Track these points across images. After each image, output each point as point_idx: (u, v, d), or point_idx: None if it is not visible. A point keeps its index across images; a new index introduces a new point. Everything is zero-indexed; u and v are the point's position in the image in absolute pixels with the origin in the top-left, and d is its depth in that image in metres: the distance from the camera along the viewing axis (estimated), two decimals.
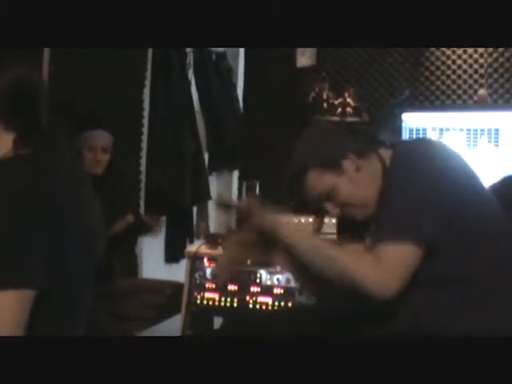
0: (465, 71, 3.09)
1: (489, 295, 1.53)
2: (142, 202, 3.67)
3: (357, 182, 1.65)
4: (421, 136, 1.76)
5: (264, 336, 1.55)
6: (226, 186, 4.39)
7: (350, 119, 2.93)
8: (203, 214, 4.16)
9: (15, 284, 1.31)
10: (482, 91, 2.99)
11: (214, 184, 4.39)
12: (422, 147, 1.63)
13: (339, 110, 2.99)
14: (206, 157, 4.23)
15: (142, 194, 3.67)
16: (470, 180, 1.61)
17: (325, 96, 3.05)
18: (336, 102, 3.00)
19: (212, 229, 4.08)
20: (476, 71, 3.07)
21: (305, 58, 3.20)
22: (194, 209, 4.16)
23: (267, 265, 2.40)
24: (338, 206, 1.67)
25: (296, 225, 2.57)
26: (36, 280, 1.35)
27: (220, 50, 4.29)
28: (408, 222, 1.51)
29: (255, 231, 1.62)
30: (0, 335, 1.29)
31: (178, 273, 3.15)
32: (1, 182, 1.38)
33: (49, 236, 1.38)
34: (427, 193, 1.53)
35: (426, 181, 1.54)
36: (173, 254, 3.89)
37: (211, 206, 4.27)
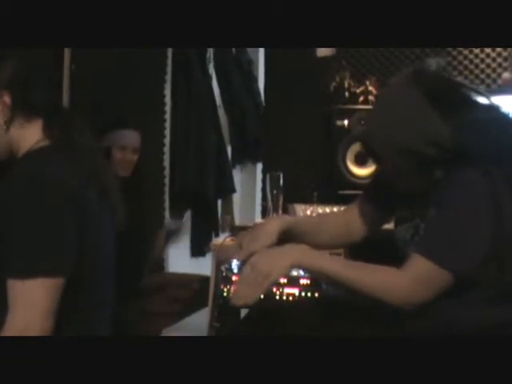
0: (488, 55, 3.05)
1: None
2: (166, 198, 3.68)
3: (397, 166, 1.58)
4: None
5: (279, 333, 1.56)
6: (250, 178, 4.39)
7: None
8: (228, 207, 4.17)
9: (45, 271, 1.34)
10: (506, 74, 2.95)
11: (238, 177, 4.39)
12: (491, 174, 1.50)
13: (361, 98, 2.97)
14: (229, 150, 4.24)
15: (167, 189, 3.68)
16: None
17: (346, 85, 3.03)
18: (358, 91, 2.98)
19: (237, 221, 4.09)
20: (500, 54, 3.03)
21: (325, 48, 3.18)
22: (219, 202, 4.17)
23: None
24: None
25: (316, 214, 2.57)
26: (65, 268, 1.38)
27: None
28: (455, 249, 1.48)
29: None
30: (33, 322, 1.31)
31: (204, 266, 3.16)
32: (35, 171, 1.41)
33: (76, 225, 1.40)
34: (484, 222, 1.48)
35: (485, 209, 1.48)
36: (198, 247, 3.90)
37: (236, 198, 4.28)
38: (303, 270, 1.58)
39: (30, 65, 1.56)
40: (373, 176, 1.92)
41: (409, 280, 1.48)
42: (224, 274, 2.46)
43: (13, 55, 1.55)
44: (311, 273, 1.60)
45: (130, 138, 2.76)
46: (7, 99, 1.50)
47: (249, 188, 4.38)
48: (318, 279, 1.57)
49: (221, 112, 4.13)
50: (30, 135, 1.52)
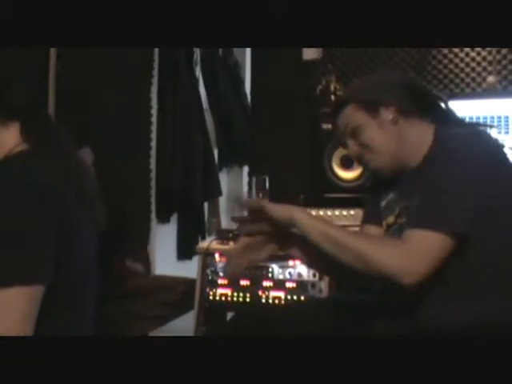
0: (473, 59, 3.06)
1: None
2: (153, 200, 3.67)
3: (385, 131, 1.68)
4: (469, 123, 1.74)
5: (267, 334, 1.56)
6: (236, 181, 4.38)
7: None
8: (215, 210, 4.16)
9: (23, 280, 1.32)
10: (490, 78, 2.96)
11: (225, 180, 4.38)
12: (471, 137, 1.60)
13: None
14: (216, 153, 4.23)
15: (153, 192, 3.67)
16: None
17: (332, 88, 3.03)
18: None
19: (224, 224, 4.08)
20: (484, 58, 3.04)
21: (311, 50, 3.19)
22: (206, 205, 4.16)
23: (279, 259, 2.40)
24: (358, 145, 1.72)
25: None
26: (43, 275, 1.36)
27: None
28: (444, 212, 1.49)
29: (271, 222, 1.62)
30: (11, 331, 1.30)
31: (190, 269, 3.15)
32: (13, 177, 1.39)
33: (55, 230, 1.39)
34: (470, 185, 1.51)
35: (470, 173, 1.52)
36: (185, 250, 3.89)
37: (222, 201, 4.28)
38: (301, 228, 1.57)
39: (7, 67, 1.55)
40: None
41: (406, 251, 1.48)
42: (210, 277, 2.46)
43: None
44: (308, 232, 1.57)
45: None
46: None
47: (235, 191, 4.37)
48: (312, 243, 1.56)
49: (207, 115, 4.12)
50: (6, 139, 1.50)
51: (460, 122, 1.76)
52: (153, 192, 3.67)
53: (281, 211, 1.60)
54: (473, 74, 3.05)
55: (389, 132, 1.68)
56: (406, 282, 1.45)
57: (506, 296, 1.52)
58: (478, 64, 3.05)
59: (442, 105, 1.74)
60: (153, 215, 3.66)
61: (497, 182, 1.53)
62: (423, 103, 1.70)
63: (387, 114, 1.68)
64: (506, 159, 1.62)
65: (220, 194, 4.11)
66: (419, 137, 1.66)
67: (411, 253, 1.47)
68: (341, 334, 1.56)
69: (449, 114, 1.73)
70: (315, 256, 1.67)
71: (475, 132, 1.66)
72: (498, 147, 1.64)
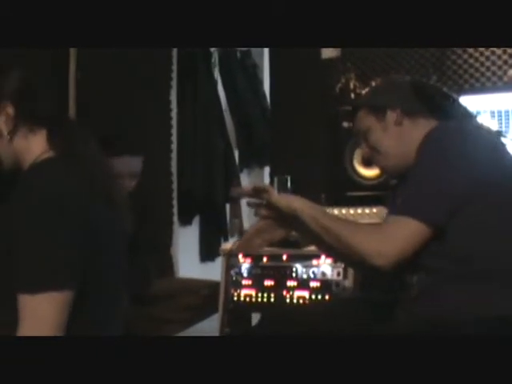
0: (493, 52, 3.02)
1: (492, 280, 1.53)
2: (175, 203, 3.69)
3: (390, 133, 1.77)
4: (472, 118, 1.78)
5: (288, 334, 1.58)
6: (257, 182, 4.39)
7: None
8: (236, 211, 4.17)
9: (53, 286, 1.34)
10: (511, 72, 2.93)
11: (246, 181, 4.40)
12: (451, 130, 1.66)
13: None
14: (237, 154, 4.24)
15: (175, 195, 3.69)
16: (492, 168, 1.60)
17: (352, 86, 3.01)
18: (363, 92, 2.96)
19: (246, 225, 4.09)
20: (505, 51, 3.00)
21: (329, 49, 3.17)
22: (227, 207, 4.18)
23: (303, 258, 2.39)
24: (368, 147, 1.84)
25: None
26: (73, 282, 1.37)
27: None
28: (420, 202, 1.56)
29: (276, 209, 1.73)
30: (41, 335, 1.31)
31: (213, 271, 3.16)
32: (41, 184, 1.41)
33: (84, 237, 1.40)
34: (446, 176, 1.55)
35: (449, 164, 1.57)
36: (208, 252, 3.91)
37: (244, 203, 4.28)
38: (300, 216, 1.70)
39: (33, 76, 1.56)
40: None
41: (381, 235, 1.58)
42: (234, 278, 2.46)
43: (16, 66, 1.55)
44: (305, 219, 1.69)
45: (127, 164, 2.66)
46: (10, 110, 1.49)
47: None
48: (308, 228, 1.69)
49: (227, 116, 4.14)
50: (34, 146, 1.51)
51: (465, 117, 1.77)
52: (174, 195, 3.69)
53: (283, 200, 1.73)
54: (493, 68, 3.01)
55: (393, 133, 1.77)
56: (377, 263, 1.54)
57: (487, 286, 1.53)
58: (499, 57, 3.01)
59: (450, 102, 1.78)
60: (175, 218, 3.69)
61: (477, 173, 1.56)
62: (429, 102, 1.76)
63: (392, 116, 1.76)
64: (495, 152, 1.64)
65: None
66: (422, 135, 1.68)
67: (385, 237, 1.56)
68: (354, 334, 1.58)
69: (456, 110, 1.77)
70: (312, 238, 1.79)
71: (463, 125, 1.71)
72: (485, 139, 1.66)
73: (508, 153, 1.68)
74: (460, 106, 1.80)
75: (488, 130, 1.76)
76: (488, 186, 1.56)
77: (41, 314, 1.34)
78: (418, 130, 1.71)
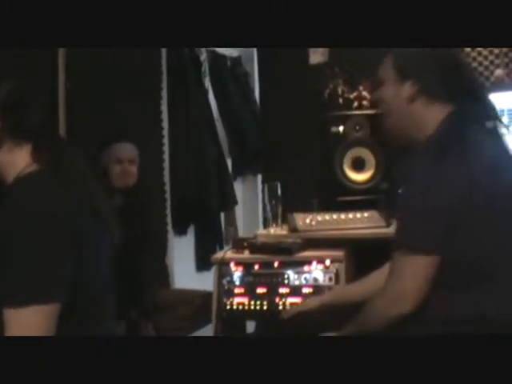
0: (479, 53, 3.04)
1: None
2: (168, 212, 3.69)
3: (399, 103, 1.68)
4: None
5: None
6: (251, 189, 4.40)
7: (367, 112, 2.90)
8: (231, 220, 4.17)
9: (39, 299, 1.34)
10: (498, 71, 2.94)
11: (240, 188, 4.40)
12: (455, 139, 1.57)
13: (355, 103, 2.97)
14: (230, 162, 4.25)
15: (168, 204, 3.69)
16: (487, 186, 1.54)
17: (340, 91, 3.03)
18: (352, 97, 2.98)
19: (241, 233, 4.09)
20: (491, 51, 3.02)
21: (317, 55, 3.19)
22: (222, 215, 4.18)
23: (294, 265, 2.39)
24: (375, 97, 1.78)
25: (321, 222, 2.57)
26: (59, 294, 1.38)
27: (234, 54, 4.31)
28: (419, 233, 1.51)
29: None
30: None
31: (210, 280, 3.16)
32: (28, 197, 1.41)
33: (70, 249, 1.40)
34: (441, 199, 1.51)
35: (444, 185, 1.51)
36: (204, 261, 3.90)
37: (239, 210, 4.29)
38: None
39: (21, 89, 1.56)
40: None
41: (394, 285, 1.55)
42: (226, 287, 2.45)
43: (3, 78, 1.55)
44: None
45: (126, 149, 2.77)
46: None
47: (251, 199, 4.38)
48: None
49: (219, 125, 4.14)
50: (18, 160, 1.51)
51: (483, 110, 1.68)
52: (168, 204, 3.69)
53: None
54: (480, 68, 3.03)
55: (402, 107, 1.68)
56: (403, 312, 1.51)
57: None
58: (485, 58, 3.03)
59: (474, 90, 1.70)
60: (169, 227, 3.68)
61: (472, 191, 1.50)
62: (453, 85, 1.66)
63: (408, 90, 1.66)
64: (494, 169, 1.56)
65: (235, 203, 4.13)
66: (429, 118, 1.64)
67: (396, 287, 1.54)
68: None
69: (475, 99, 1.67)
70: None
71: (471, 131, 1.60)
72: (488, 150, 1.59)
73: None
74: (483, 96, 1.71)
75: (499, 135, 1.67)
76: (482, 204, 1.51)
77: (27, 327, 1.34)
78: (430, 113, 1.65)
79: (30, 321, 1.34)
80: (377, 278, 1.88)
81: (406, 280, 1.51)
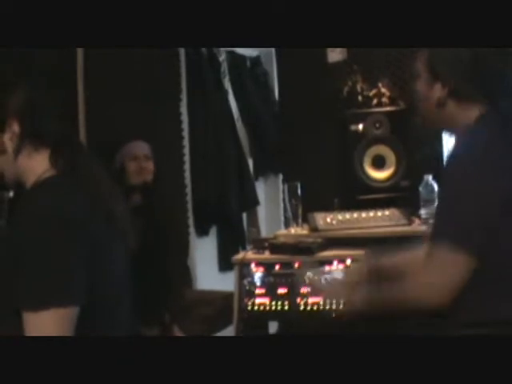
0: None
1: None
2: (190, 214, 3.70)
3: (430, 105, 1.65)
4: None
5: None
6: (273, 189, 4.39)
7: (386, 109, 2.88)
8: (253, 220, 4.17)
9: (57, 302, 1.35)
10: None
11: (262, 189, 4.39)
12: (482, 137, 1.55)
13: (375, 101, 2.95)
14: (251, 162, 4.24)
15: (190, 206, 3.70)
16: None
17: (359, 89, 3.01)
18: (371, 94, 2.96)
19: (263, 233, 4.08)
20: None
21: (335, 53, 3.17)
22: (244, 215, 4.18)
23: (314, 265, 2.38)
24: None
25: (342, 221, 2.56)
26: (76, 298, 1.38)
27: (254, 54, 4.30)
28: (460, 230, 1.49)
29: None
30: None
31: (232, 281, 3.16)
32: (46, 202, 1.42)
33: (86, 254, 1.41)
34: (484, 197, 1.48)
35: (483, 181, 1.49)
36: (226, 262, 3.90)
37: (261, 210, 4.28)
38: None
39: (40, 94, 1.57)
40: None
41: (431, 276, 1.53)
42: (247, 287, 2.45)
43: (24, 83, 1.56)
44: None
45: (139, 147, 2.80)
46: (16, 128, 1.50)
47: (273, 199, 4.37)
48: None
49: (239, 125, 4.14)
50: (36, 165, 1.52)
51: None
52: (189, 206, 3.69)
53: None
54: None
55: (433, 109, 1.66)
56: (438, 304, 1.52)
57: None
58: None
59: (507, 90, 1.65)
60: (191, 229, 3.69)
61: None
62: (486, 85, 1.62)
63: (438, 92, 1.63)
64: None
65: (257, 203, 4.12)
66: (460, 118, 1.61)
67: (434, 278, 1.52)
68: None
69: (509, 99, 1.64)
70: None
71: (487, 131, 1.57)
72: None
73: None
74: None
75: None
76: None
77: (45, 330, 1.35)
78: (462, 113, 1.62)
79: (49, 324, 1.35)
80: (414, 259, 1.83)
81: (446, 274, 1.50)
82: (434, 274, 1.52)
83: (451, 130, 1.68)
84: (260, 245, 2.59)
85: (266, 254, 2.51)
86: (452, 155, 1.58)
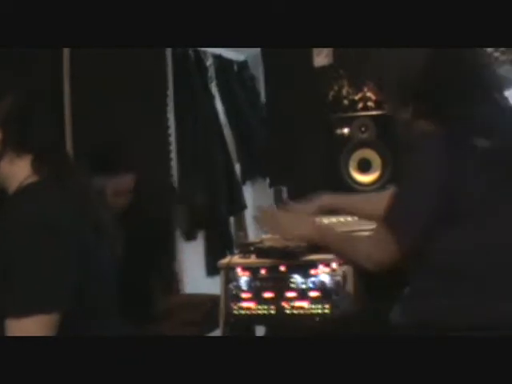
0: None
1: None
2: (177, 218, 3.69)
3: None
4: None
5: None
6: (261, 193, 4.39)
7: (372, 113, 2.89)
8: (241, 224, 4.17)
9: (40, 309, 1.35)
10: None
11: (250, 193, 4.40)
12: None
13: (360, 105, 2.96)
14: (239, 167, 4.25)
15: (177, 209, 3.69)
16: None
17: (345, 93, 3.02)
18: (357, 98, 2.97)
19: (251, 237, 4.08)
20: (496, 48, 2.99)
21: (321, 57, 3.17)
22: (232, 220, 4.18)
23: (301, 268, 2.38)
24: None
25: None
26: (60, 304, 1.39)
27: (241, 59, 4.31)
28: (402, 216, 1.62)
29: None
30: None
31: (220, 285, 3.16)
32: (30, 208, 1.42)
33: (71, 260, 1.41)
34: (430, 182, 1.55)
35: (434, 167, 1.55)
36: (214, 266, 3.89)
37: (248, 214, 4.28)
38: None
39: (25, 101, 1.57)
40: None
41: (370, 246, 1.73)
42: (233, 292, 2.45)
43: (8, 90, 1.55)
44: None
45: (125, 182, 2.72)
46: (0, 135, 1.50)
47: (261, 203, 4.37)
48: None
49: (226, 129, 4.14)
50: (19, 171, 1.52)
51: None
52: (177, 210, 3.69)
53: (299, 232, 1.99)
54: None
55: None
56: (370, 268, 1.72)
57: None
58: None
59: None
60: (178, 233, 3.69)
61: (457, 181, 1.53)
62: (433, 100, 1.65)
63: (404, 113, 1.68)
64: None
65: (244, 207, 4.13)
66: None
67: (373, 247, 1.71)
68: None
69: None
70: None
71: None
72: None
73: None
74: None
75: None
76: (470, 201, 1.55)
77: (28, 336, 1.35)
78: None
79: (31, 330, 1.35)
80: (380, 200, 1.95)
81: (380, 247, 1.66)
82: (370, 241, 1.75)
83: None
84: (246, 249, 2.59)
85: (253, 259, 2.50)
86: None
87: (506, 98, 1.70)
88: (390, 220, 1.64)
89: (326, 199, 2.18)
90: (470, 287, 1.55)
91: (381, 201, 1.89)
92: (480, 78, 1.65)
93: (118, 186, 2.71)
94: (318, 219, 2.23)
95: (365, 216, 2.18)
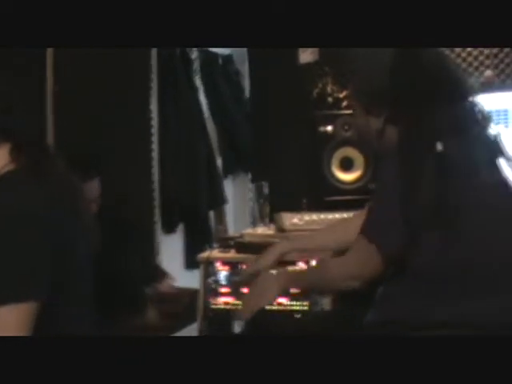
0: (469, 53, 3.03)
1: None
2: (157, 211, 3.68)
3: (368, 136, 1.74)
4: None
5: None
6: (242, 188, 4.40)
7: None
8: (221, 218, 4.17)
9: (17, 297, 1.34)
10: (488, 72, 2.94)
11: (231, 187, 4.40)
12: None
13: (344, 103, 2.95)
14: (220, 161, 4.24)
15: (157, 203, 3.68)
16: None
17: (329, 90, 3.02)
18: (341, 96, 2.96)
19: (231, 232, 4.08)
20: (481, 52, 3.01)
21: (307, 54, 3.17)
22: (212, 214, 4.17)
23: (280, 265, 2.38)
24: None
25: (309, 221, 2.56)
26: (37, 293, 1.37)
27: (226, 52, 4.30)
28: (379, 228, 1.60)
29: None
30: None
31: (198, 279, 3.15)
32: (6, 196, 1.40)
33: (47, 249, 1.40)
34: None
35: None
36: (193, 260, 3.89)
37: (229, 209, 4.28)
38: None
39: (4, 89, 1.55)
40: None
41: (349, 266, 1.70)
42: (212, 286, 2.45)
43: None
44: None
45: (94, 189, 2.63)
46: None
47: (242, 198, 4.38)
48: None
49: (209, 123, 4.13)
50: None
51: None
52: (157, 203, 3.68)
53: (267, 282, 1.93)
54: (470, 69, 3.02)
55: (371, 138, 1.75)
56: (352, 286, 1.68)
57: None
58: (475, 58, 3.02)
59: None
60: (158, 226, 3.68)
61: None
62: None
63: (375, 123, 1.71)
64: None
65: (225, 201, 4.13)
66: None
67: (353, 264, 1.68)
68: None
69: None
70: None
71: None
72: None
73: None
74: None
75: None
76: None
77: (4, 325, 1.33)
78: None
79: (8, 319, 1.34)
80: (345, 228, 1.99)
81: (359, 263, 1.65)
82: (350, 260, 1.69)
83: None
84: (226, 243, 2.59)
85: (232, 253, 2.50)
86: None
87: (472, 102, 1.68)
88: (369, 232, 1.61)
89: (284, 246, 2.12)
90: (433, 288, 1.55)
91: (345, 229, 1.98)
92: (442, 80, 1.64)
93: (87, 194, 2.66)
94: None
95: (331, 248, 2.09)
